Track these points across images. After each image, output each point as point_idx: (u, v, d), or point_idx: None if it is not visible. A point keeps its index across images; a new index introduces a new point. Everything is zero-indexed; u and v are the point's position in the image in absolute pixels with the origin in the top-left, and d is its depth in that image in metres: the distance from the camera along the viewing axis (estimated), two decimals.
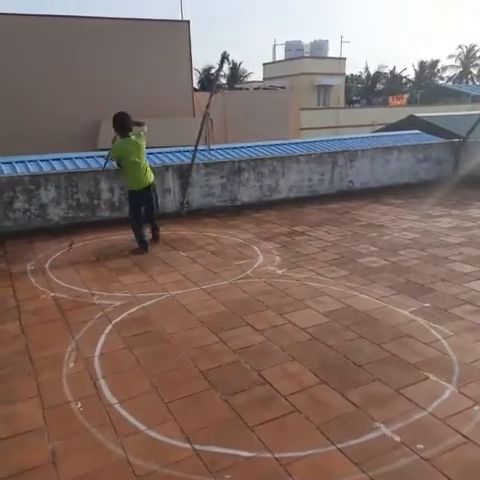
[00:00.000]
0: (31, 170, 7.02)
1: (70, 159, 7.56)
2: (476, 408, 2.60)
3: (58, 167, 7.23)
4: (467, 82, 49.16)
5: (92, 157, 7.78)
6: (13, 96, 13.37)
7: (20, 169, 7.02)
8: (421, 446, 2.32)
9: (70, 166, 7.31)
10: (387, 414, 2.57)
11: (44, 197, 6.92)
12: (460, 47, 51.41)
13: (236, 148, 8.88)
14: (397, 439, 2.38)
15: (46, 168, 7.15)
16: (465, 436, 2.38)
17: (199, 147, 7.74)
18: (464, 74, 51.35)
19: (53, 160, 7.44)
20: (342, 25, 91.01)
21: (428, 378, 2.91)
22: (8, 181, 6.71)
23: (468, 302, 4.04)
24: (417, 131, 10.89)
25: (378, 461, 2.24)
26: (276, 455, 2.30)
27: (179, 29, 15.57)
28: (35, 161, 7.34)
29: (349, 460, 2.25)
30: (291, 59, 32.28)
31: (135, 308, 4.14)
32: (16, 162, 7.23)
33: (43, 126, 13.49)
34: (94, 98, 14.01)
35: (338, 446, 2.34)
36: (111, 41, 14.48)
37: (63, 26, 13.92)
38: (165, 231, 6.90)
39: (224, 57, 7.14)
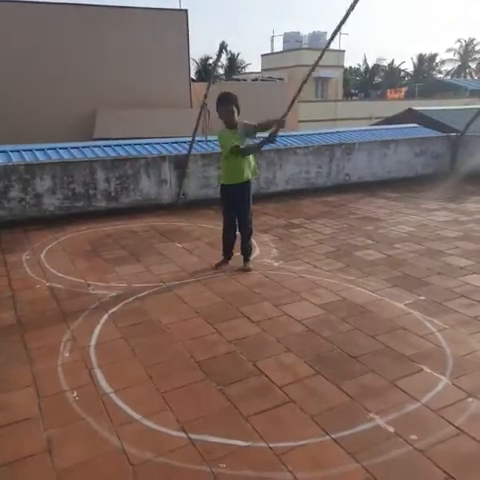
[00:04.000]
0: (26, 159, 6.97)
1: (66, 149, 7.51)
2: (469, 400, 2.62)
3: (54, 157, 7.18)
4: (465, 76, 49.09)
5: (88, 147, 7.73)
6: (8, 88, 13.24)
7: (15, 158, 6.97)
8: (414, 437, 2.34)
9: (66, 156, 7.26)
10: (381, 405, 2.59)
11: (39, 187, 6.87)
12: (459, 41, 51.32)
13: None
14: (391, 430, 2.40)
15: (41, 157, 7.10)
16: (458, 428, 2.40)
17: (196, 138, 7.70)
18: (462, 68, 51.25)
19: (49, 150, 7.38)
20: (341, 17, 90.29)
21: (422, 370, 2.93)
22: (3, 170, 6.66)
23: (463, 295, 4.06)
24: (415, 125, 10.88)
25: (372, 451, 2.26)
26: (271, 445, 2.31)
27: (177, 18, 15.44)
28: (30, 150, 7.29)
29: (343, 450, 2.27)
30: (289, 50, 32.08)
31: (131, 298, 4.14)
32: (11, 151, 7.17)
33: (39, 117, 13.39)
34: (90, 88, 13.91)
35: (332, 436, 2.36)
36: (107, 30, 14.35)
37: (58, 14, 13.77)
38: (162, 222, 6.90)
39: (222, 47, 7.06)
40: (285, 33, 34.18)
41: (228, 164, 4.61)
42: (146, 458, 2.25)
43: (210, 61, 37.53)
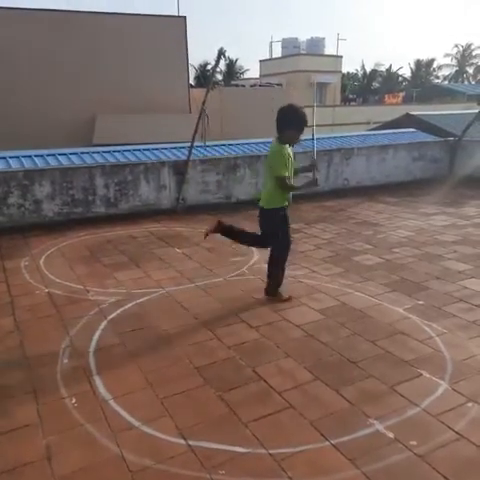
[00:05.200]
0: (25, 165, 6.98)
1: (65, 155, 7.52)
2: (469, 405, 2.62)
3: (53, 163, 7.19)
4: (463, 81, 49.32)
5: (87, 153, 7.75)
6: (8, 93, 13.26)
7: (14, 164, 6.98)
8: (414, 442, 2.34)
9: (65, 162, 7.27)
10: (381, 410, 2.59)
11: (38, 193, 6.88)
12: (456, 46, 51.58)
13: (232, 145, 8.87)
14: (390, 435, 2.40)
15: (41, 164, 7.11)
16: (458, 432, 2.40)
17: (195, 143, 7.72)
18: (460, 73, 51.49)
19: (48, 156, 7.40)
20: (339, 22, 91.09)
21: (421, 375, 2.93)
22: (2, 176, 6.67)
23: (462, 300, 4.06)
24: (413, 129, 10.92)
25: (371, 457, 2.25)
26: (270, 451, 2.31)
27: (175, 25, 15.51)
28: (29, 156, 7.30)
29: (343, 456, 2.26)
30: (287, 56, 32.20)
31: (130, 304, 4.13)
32: (10, 157, 7.18)
33: (38, 121, 13.40)
34: (89, 94, 13.94)
35: (332, 442, 2.36)
36: (107, 36, 14.40)
37: (58, 21, 13.82)
38: (161, 227, 6.91)
39: (221, 53, 7.11)
40: (283, 39, 34.29)
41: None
42: (145, 465, 2.24)
43: (209, 67, 37.69)
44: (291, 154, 3.99)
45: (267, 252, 5.57)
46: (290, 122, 3.78)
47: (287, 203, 4.04)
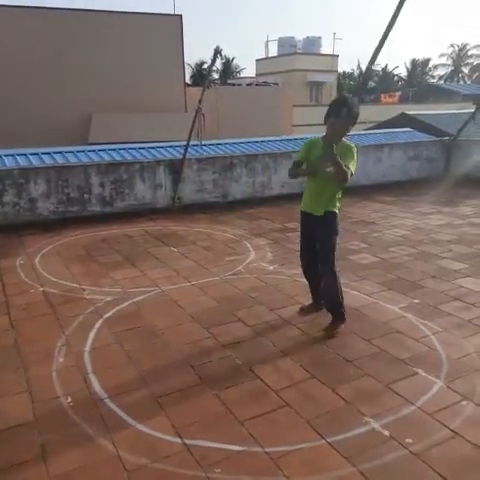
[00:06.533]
0: (21, 164, 6.95)
1: (60, 153, 7.50)
2: (464, 403, 2.63)
3: (48, 161, 7.16)
4: (458, 81, 49.47)
5: (82, 151, 7.72)
6: (6, 92, 13.21)
7: (9, 163, 6.94)
8: (410, 440, 2.34)
9: (60, 160, 7.24)
10: (376, 409, 2.59)
11: (34, 191, 6.85)
12: (452, 46, 51.67)
13: (228, 144, 8.87)
14: (386, 433, 2.40)
15: (36, 162, 7.08)
16: (453, 430, 2.41)
17: (191, 142, 7.71)
18: (455, 73, 51.62)
19: (43, 154, 7.37)
20: (335, 22, 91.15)
21: (417, 373, 2.93)
22: None
23: (457, 299, 4.08)
24: (408, 129, 10.95)
25: (367, 455, 2.26)
26: (266, 449, 2.31)
27: (171, 23, 15.49)
28: (25, 155, 7.27)
29: (339, 454, 2.26)
30: (284, 55, 32.19)
31: (126, 303, 4.12)
32: (5, 155, 7.14)
33: (35, 120, 13.36)
34: (85, 92, 13.91)
35: (328, 440, 2.36)
36: (102, 34, 14.36)
37: (55, 18, 13.77)
38: (157, 226, 6.89)
39: (217, 52, 7.10)
40: (280, 38, 34.23)
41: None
42: (141, 464, 2.23)
43: (205, 66, 37.61)
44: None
45: (264, 251, 5.60)
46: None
47: (304, 209, 4.11)
